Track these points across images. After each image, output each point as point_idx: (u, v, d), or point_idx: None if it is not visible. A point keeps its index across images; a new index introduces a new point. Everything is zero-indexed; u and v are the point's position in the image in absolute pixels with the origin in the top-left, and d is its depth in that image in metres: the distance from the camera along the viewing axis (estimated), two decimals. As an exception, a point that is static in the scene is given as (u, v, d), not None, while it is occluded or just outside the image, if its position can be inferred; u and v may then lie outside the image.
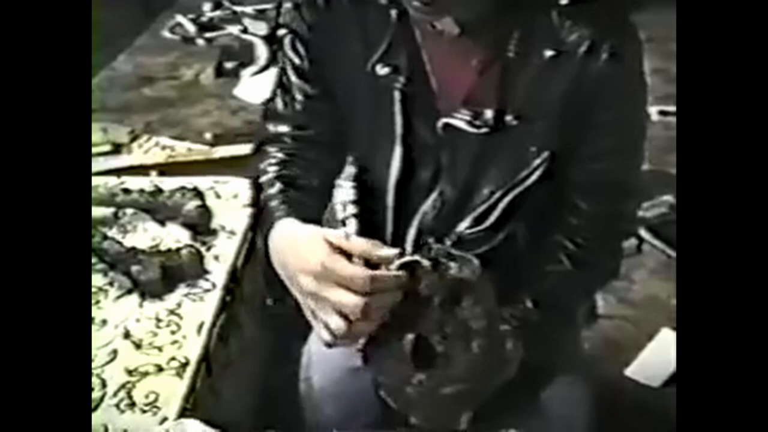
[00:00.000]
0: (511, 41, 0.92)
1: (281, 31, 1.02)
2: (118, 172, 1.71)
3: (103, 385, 1.05)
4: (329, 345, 0.82)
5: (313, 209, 0.95)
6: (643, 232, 2.22)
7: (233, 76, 3.42)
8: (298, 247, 0.82)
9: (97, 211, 1.39)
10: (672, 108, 2.51)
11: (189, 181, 1.47)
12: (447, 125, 0.94)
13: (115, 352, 1.11)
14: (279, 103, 1.02)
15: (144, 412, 1.01)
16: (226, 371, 1.18)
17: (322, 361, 1.11)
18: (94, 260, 1.26)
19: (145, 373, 1.07)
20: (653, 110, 2.62)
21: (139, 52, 3.80)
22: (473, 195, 0.97)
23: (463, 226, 0.97)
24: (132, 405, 1.02)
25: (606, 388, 1.13)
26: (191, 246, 1.29)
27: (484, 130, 0.93)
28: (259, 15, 3.89)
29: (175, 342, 1.13)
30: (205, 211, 1.38)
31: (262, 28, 3.68)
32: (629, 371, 1.83)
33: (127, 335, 1.14)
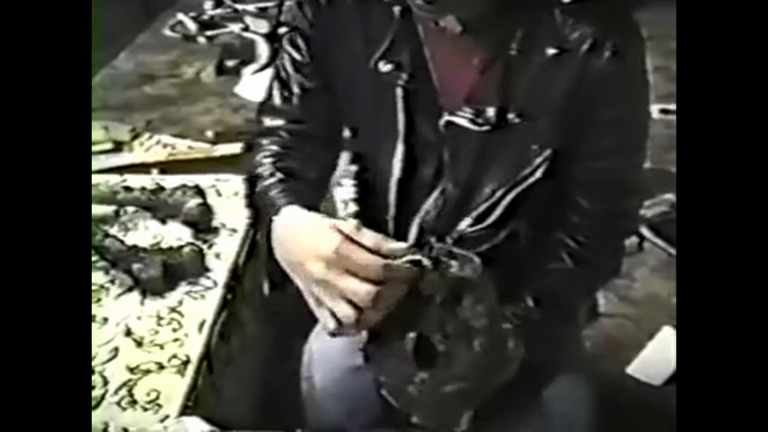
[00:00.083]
0: (513, 39, 0.92)
1: (282, 29, 1.01)
2: (119, 170, 1.71)
3: (105, 382, 1.05)
4: (333, 334, 0.81)
5: (314, 200, 0.94)
6: (645, 231, 2.22)
7: (234, 74, 3.42)
8: (308, 233, 0.81)
9: (99, 209, 1.39)
10: (673, 106, 2.50)
11: (190, 179, 1.47)
12: (449, 123, 0.94)
13: (116, 349, 1.11)
14: (276, 97, 1.01)
15: (145, 409, 1.01)
16: (228, 369, 1.18)
17: (324, 359, 1.11)
18: (95, 258, 1.26)
19: (147, 371, 1.07)
20: (654, 108, 2.62)
21: (140, 50, 3.81)
22: (475, 193, 0.97)
23: (464, 225, 0.97)
24: (133, 403, 1.02)
25: (607, 387, 1.13)
26: (192, 244, 1.29)
27: (486, 128, 0.93)
28: (261, 13, 3.88)
29: (176, 340, 1.13)
30: (207, 209, 1.38)
31: (263, 26, 3.68)
32: (630, 369, 1.82)
33: (128, 333, 1.14)
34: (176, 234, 1.34)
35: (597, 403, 1.05)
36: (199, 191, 1.41)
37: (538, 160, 0.94)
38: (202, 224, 1.36)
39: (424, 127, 0.96)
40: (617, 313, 1.95)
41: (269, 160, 0.98)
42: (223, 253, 1.30)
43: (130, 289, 1.22)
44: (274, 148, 1.00)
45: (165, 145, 2.30)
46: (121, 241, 1.29)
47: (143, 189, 1.43)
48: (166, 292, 1.22)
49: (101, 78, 3.41)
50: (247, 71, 3.38)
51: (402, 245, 0.80)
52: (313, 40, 0.98)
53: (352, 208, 0.98)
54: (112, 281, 1.24)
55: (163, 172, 1.73)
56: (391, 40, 0.95)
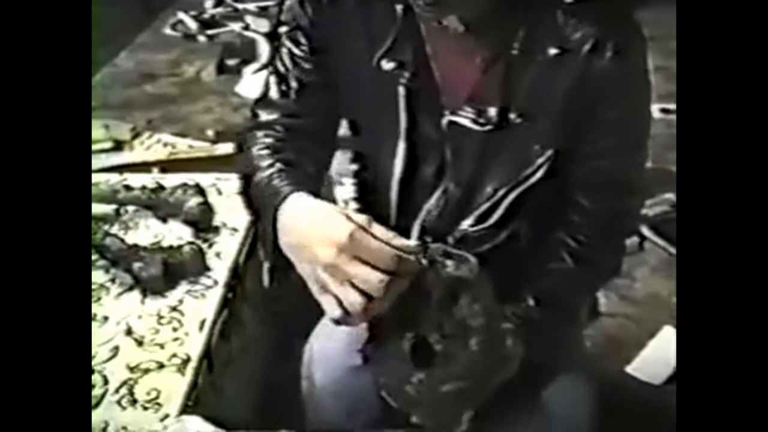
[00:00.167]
0: (515, 39, 0.92)
1: (283, 28, 1.01)
2: (119, 169, 1.70)
3: (105, 381, 1.05)
4: (337, 321, 0.80)
5: (316, 191, 0.92)
6: (645, 230, 2.22)
7: (235, 73, 3.42)
8: (320, 218, 0.80)
9: (99, 208, 1.39)
10: (673, 106, 2.50)
11: (191, 178, 1.46)
12: (451, 122, 0.94)
13: (116, 348, 1.11)
14: (273, 91, 1.00)
15: (145, 408, 1.01)
16: (228, 368, 1.18)
17: (324, 359, 1.11)
18: (95, 257, 1.26)
19: (147, 370, 1.07)
20: (655, 108, 2.61)
21: (141, 49, 3.80)
22: (477, 193, 0.97)
23: (466, 224, 0.97)
24: (133, 402, 1.02)
25: (607, 386, 1.12)
26: (193, 243, 1.29)
27: (488, 127, 0.93)
28: (261, 12, 3.88)
29: (176, 339, 1.13)
30: (207, 208, 1.38)
31: (264, 25, 3.68)
32: (631, 369, 1.82)
33: (128, 332, 1.14)
34: (177, 233, 1.34)
35: (597, 403, 1.05)
36: (200, 190, 1.41)
37: (540, 160, 0.94)
38: (203, 223, 1.36)
39: (426, 126, 0.96)
40: (618, 313, 1.95)
41: (266, 151, 0.96)
42: (224, 252, 1.30)
43: (130, 288, 1.22)
44: (269, 141, 0.98)
45: (165, 144, 2.29)
46: (122, 240, 1.29)
47: (144, 188, 1.43)
48: (167, 291, 1.22)
49: (102, 77, 3.41)
50: (248, 70, 3.38)
51: (412, 242, 0.80)
52: (313, 37, 0.98)
53: (353, 207, 0.98)
54: (112, 280, 1.24)
55: (163, 170, 1.72)
56: (393, 38, 0.94)
